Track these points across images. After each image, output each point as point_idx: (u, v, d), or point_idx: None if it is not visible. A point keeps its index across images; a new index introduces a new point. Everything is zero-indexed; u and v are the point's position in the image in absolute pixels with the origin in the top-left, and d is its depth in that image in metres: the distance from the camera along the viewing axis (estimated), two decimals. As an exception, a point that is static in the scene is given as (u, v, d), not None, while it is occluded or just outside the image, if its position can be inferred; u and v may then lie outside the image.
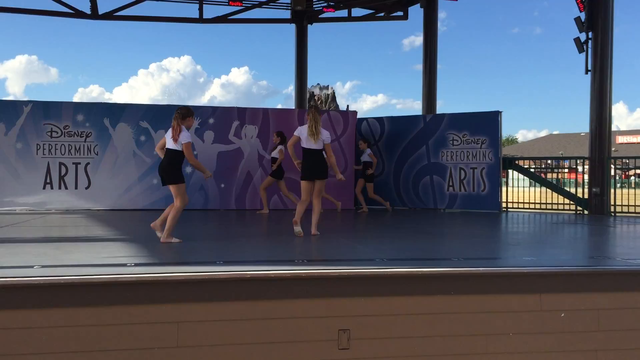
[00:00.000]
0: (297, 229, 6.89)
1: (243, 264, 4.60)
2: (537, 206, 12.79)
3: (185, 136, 6.20)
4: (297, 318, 3.98)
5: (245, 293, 3.96)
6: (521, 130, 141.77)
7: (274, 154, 11.08)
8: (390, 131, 13.37)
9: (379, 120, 13.63)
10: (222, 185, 12.20)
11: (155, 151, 6.51)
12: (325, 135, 7.18)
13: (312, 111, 7.19)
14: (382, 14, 16.73)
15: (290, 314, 3.99)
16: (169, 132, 6.31)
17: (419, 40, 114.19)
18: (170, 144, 6.26)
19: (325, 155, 7.31)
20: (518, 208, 12.93)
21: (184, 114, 6.31)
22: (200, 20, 15.85)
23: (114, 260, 4.72)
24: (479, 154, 12.38)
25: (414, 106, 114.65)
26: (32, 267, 4.24)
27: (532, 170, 13.79)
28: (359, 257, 5.28)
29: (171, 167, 6.21)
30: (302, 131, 7.20)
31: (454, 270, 4.34)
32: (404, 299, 4.18)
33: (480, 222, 9.78)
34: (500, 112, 12.26)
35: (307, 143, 7.12)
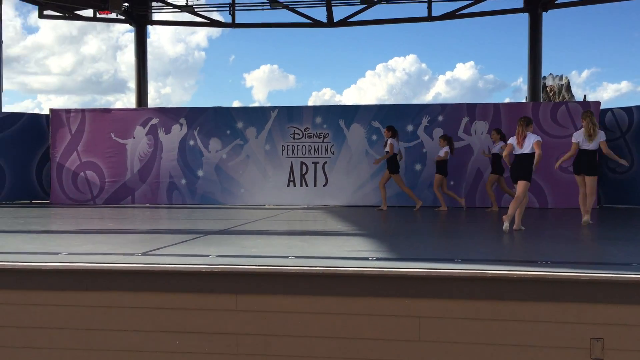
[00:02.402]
0: (585, 218, 7.73)
1: (482, 262, 4.53)
2: None
3: (534, 137, 7.09)
4: (543, 322, 3.80)
5: (485, 292, 3.90)
6: None
7: (496, 149, 10.73)
8: (641, 122, 11.97)
9: (627, 110, 12.26)
10: (452, 183, 12.11)
11: (503, 157, 7.70)
12: (602, 135, 7.80)
13: (589, 115, 7.78)
14: (629, -8, 15.05)
15: (535, 317, 3.82)
16: (513, 139, 7.28)
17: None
18: (517, 150, 7.21)
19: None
20: None
21: (528, 121, 7.22)
22: (429, 18, 15.92)
23: (356, 253, 4.99)
24: None
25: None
26: (286, 257, 4.68)
27: None
28: (611, 261, 4.84)
29: (523, 168, 7.16)
30: (578, 136, 7.90)
31: None
32: (669, 310, 3.73)
33: None
34: None
35: (584, 144, 7.79)
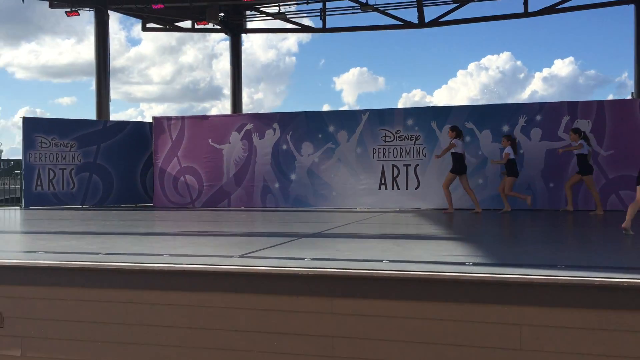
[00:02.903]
0: None
1: (586, 269, 4.31)
2: None
3: None
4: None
5: (593, 300, 3.70)
6: None
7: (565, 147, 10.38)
8: None
9: None
10: (551, 185, 11.61)
11: None
12: None
13: None
14: None
15: (648, 329, 3.58)
16: None
17: None
18: None
19: None
20: None
21: None
22: (525, 14, 15.37)
23: (452, 258, 4.89)
24: None
25: None
26: (381, 261, 4.66)
27: None
28: None
29: None
30: None
31: None
32: None
33: None
34: None
35: None
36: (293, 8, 18.42)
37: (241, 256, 4.92)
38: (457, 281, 3.93)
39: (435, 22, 16.07)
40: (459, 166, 10.81)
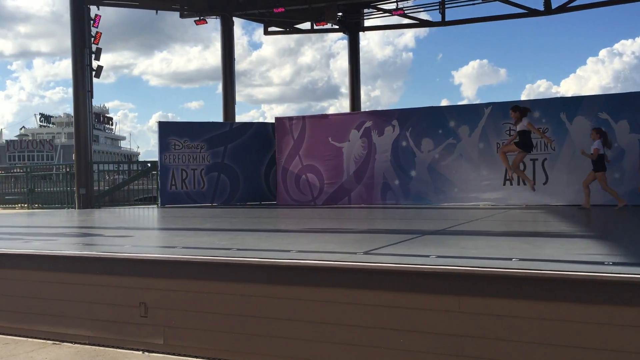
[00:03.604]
0: None
1: None
2: None
3: None
4: None
5: None
6: None
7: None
8: None
9: None
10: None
11: None
12: None
13: None
14: None
15: None
16: None
17: None
18: None
19: None
20: None
21: None
22: (666, -7, 14.11)
23: (587, 257, 4.61)
24: None
25: None
26: (510, 259, 4.49)
27: None
28: None
29: None
30: None
31: None
32: None
33: None
34: None
35: None
36: (410, 3, 18.23)
37: (365, 253, 4.95)
38: (596, 282, 3.70)
39: (563, 8, 15.17)
40: (524, 143, 10.77)
